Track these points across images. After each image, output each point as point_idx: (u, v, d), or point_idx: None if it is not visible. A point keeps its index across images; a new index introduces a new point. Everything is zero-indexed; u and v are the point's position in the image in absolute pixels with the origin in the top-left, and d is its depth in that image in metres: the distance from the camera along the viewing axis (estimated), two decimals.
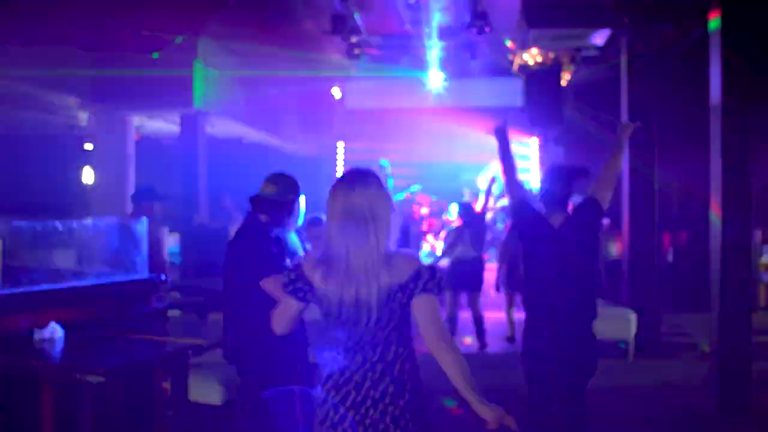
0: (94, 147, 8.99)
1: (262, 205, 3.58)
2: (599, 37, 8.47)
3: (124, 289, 3.46)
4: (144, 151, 9.73)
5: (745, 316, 5.79)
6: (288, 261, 3.71)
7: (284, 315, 2.47)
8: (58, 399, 2.89)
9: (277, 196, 3.54)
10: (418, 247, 9.93)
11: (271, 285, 3.32)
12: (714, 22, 5.75)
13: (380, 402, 2.31)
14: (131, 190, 8.87)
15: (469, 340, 8.26)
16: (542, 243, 3.87)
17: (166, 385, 4.16)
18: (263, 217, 3.58)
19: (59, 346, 2.95)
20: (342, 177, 2.45)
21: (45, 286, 3.28)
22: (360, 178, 2.38)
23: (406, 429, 2.31)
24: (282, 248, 3.62)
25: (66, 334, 3.06)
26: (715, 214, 5.74)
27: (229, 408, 3.94)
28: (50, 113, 8.77)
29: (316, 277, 2.36)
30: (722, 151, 5.69)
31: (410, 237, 9.03)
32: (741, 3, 5.65)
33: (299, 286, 2.39)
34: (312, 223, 5.45)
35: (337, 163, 13.98)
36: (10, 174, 10.23)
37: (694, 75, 6.92)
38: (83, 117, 9.02)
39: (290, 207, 3.59)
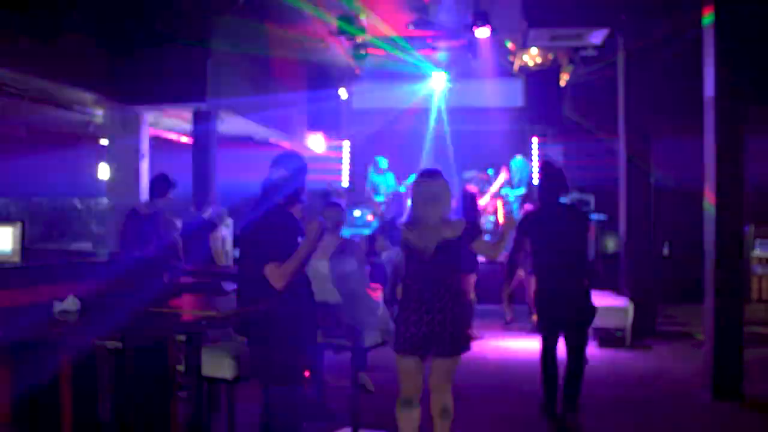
0: (110, 143, 9.01)
1: (278, 191, 3.60)
2: (597, 37, 8.48)
3: (139, 265, 3.50)
4: (157, 149, 9.79)
5: (738, 303, 5.80)
6: (299, 239, 3.76)
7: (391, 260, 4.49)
8: (77, 364, 2.93)
9: (289, 177, 3.58)
10: None
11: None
12: (707, 17, 5.77)
13: (439, 306, 3.66)
14: (145, 184, 8.93)
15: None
16: (544, 234, 4.91)
17: (180, 368, 4.20)
18: (282, 200, 3.61)
19: (77, 317, 2.98)
20: (425, 173, 3.88)
21: (63, 261, 3.31)
22: (435, 174, 3.84)
23: (455, 326, 3.68)
24: (296, 227, 3.65)
25: (83, 307, 3.08)
26: (709, 203, 5.75)
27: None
28: (68, 109, 8.81)
29: (405, 232, 3.77)
30: (716, 142, 5.71)
31: None
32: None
33: (398, 238, 3.83)
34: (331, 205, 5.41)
35: (343, 161, 13.98)
36: (33, 167, 10.33)
37: (689, 71, 6.92)
38: (99, 113, 9.06)
39: (303, 182, 3.64)
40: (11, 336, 2.70)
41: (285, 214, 3.58)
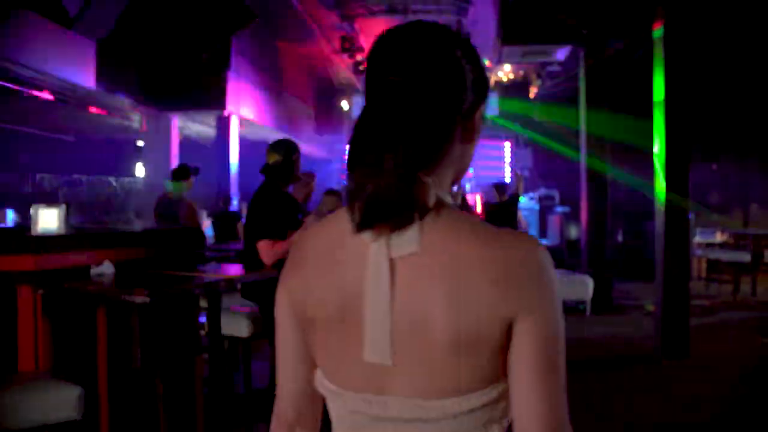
0: (145, 144, 8.89)
1: (274, 173, 3.49)
2: (561, 54, 8.40)
3: (167, 236, 3.39)
4: (185, 153, 9.67)
5: (684, 274, 5.74)
6: (299, 216, 3.65)
7: None
8: (111, 317, 2.82)
9: (283, 161, 3.46)
10: None
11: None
12: (657, 31, 5.68)
13: None
14: None
15: None
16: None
17: (202, 332, 4.10)
18: (280, 183, 3.50)
19: (111, 279, 2.87)
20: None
21: (99, 230, 3.21)
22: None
23: None
24: (292, 205, 3.55)
25: (117, 271, 2.97)
26: (660, 189, 5.67)
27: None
28: (109, 114, 8.70)
29: None
30: (666, 141, 5.62)
31: None
32: (680, 15, 5.59)
33: None
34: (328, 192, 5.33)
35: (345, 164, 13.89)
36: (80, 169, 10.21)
37: (640, 81, 6.85)
38: (136, 118, 8.95)
39: (295, 165, 3.52)
40: (54, 291, 2.59)
41: (279, 193, 3.46)
